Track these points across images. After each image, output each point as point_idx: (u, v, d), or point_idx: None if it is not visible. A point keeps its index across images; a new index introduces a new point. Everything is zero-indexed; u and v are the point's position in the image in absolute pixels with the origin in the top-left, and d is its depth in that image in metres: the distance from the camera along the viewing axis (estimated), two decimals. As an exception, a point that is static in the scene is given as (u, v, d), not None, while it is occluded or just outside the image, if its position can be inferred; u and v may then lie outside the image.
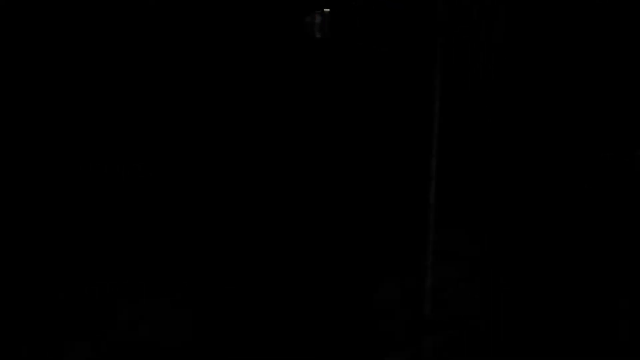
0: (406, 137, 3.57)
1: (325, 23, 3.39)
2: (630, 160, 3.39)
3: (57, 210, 3.36)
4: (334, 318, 3.42)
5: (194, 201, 3.56)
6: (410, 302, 3.52)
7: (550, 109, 3.53)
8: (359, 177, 3.65)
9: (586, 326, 3.50)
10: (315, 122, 3.62)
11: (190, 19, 3.46)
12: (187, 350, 3.19)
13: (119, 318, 3.19)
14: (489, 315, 3.48)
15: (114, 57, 3.44)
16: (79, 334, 3.12)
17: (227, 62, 3.56)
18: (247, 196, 3.64)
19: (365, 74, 3.59)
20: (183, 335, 3.14)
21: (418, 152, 3.53)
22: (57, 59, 3.40)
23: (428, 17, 3.42)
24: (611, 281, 3.48)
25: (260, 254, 3.53)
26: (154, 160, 3.46)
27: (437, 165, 3.49)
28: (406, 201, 3.65)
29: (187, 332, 3.17)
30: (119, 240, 3.37)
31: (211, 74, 3.56)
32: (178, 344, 3.14)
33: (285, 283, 3.52)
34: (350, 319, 3.45)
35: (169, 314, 3.21)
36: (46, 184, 3.37)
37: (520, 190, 3.51)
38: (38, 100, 3.45)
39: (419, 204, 3.55)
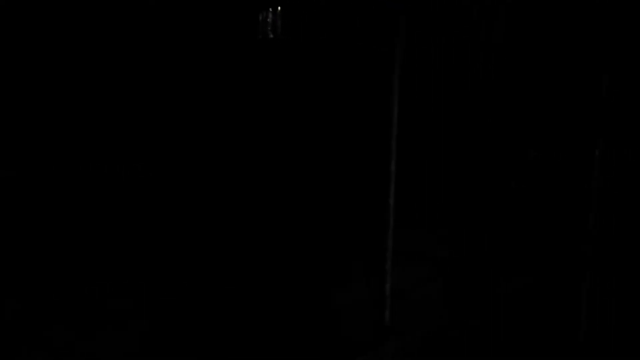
0: (367, 141, 3.49)
1: (277, 22, 3.22)
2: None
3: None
4: (291, 322, 3.40)
5: (142, 204, 3.48)
6: (369, 306, 3.48)
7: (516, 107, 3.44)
8: (322, 177, 3.59)
9: (546, 327, 3.49)
10: (274, 125, 3.51)
11: (142, 21, 3.31)
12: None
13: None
14: (453, 318, 3.46)
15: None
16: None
17: (179, 61, 3.43)
18: (206, 197, 3.57)
19: (326, 75, 3.47)
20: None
21: (378, 155, 3.45)
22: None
23: (388, 18, 3.27)
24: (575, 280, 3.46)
25: (220, 259, 3.49)
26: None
27: (396, 167, 3.41)
28: (368, 203, 3.59)
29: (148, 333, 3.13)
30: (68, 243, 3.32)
31: (159, 74, 3.44)
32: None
33: (245, 284, 3.49)
34: (311, 323, 3.44)
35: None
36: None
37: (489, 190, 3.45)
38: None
39: (380, 206, 3.48)
